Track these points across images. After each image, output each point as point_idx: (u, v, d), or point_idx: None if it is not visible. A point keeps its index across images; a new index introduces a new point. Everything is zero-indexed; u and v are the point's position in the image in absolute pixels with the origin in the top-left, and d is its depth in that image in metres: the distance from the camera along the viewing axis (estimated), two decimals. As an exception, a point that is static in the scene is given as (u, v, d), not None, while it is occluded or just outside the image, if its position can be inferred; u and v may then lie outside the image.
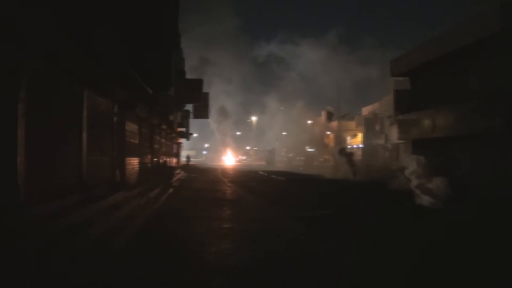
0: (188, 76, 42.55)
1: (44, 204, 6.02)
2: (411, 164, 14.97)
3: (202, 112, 33.92)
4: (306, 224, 9.29)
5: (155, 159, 19.01)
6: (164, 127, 20.24)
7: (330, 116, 44.94)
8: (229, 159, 66.61)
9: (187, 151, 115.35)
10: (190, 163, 48.46)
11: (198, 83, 28.24)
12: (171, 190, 16.92)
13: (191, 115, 33.18)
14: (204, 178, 27.53)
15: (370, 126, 43.13)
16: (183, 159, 46.02)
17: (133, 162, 13.60)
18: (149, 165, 17.06)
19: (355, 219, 10.43)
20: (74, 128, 7.64)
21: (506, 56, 16.26)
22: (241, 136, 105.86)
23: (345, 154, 28.62)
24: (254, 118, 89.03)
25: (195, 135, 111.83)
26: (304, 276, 5.34)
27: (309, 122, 67.66)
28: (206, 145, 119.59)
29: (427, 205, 12.35)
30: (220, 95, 69.73)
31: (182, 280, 5.00)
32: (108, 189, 9.74)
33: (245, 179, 28.03)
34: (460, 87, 18.98)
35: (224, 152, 69.26)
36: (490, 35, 16.27)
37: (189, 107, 32.25)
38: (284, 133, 75.78)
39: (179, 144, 35.78)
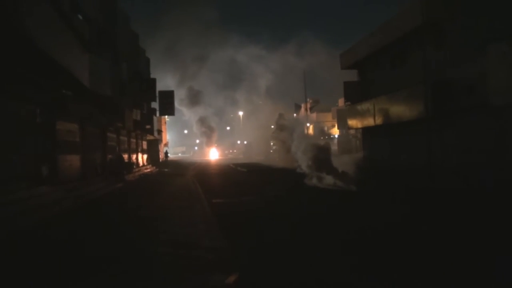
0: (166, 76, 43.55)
1: None
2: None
3: (167, 109, 34.97)
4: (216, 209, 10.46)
5: (110, 156, 19.99)
6: (120, 125, 21.18)
7: (297, 108, 45.94)
8: (214, 154, 68.13)
9: (178, 147, 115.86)
10: (170, 158, 49.85)
11: (152, 82, 29.25)
12: (120, 184, 17.95)
13: (157, 112, 34.27)
14: (171, 172, 28.63)
15: (342, 117, 44.07)
16: (169, 155, 48.90)
17: (71, 158, 14.59)
18: (98, 161, 18.05)
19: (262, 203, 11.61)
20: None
21: (429, 47, 17.25)
22: (231, 130, 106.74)
23: (283, 126, 26.84)
24: (241, 113, 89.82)
25: (186, 131, 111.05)
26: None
27: (295, 115, 68.78)
28: (198, 141, 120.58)
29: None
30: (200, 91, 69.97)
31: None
32: (29, 183, 10.75)
33: (210, 171, 29.16)
34: (396, 77, 19.99)
35: (209, 148, 70.84)
36: (414, 28, 17.28)
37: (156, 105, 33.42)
38: (272, 127, 76.50)
39: (152, 141, 36.76)
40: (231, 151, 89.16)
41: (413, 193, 12.71)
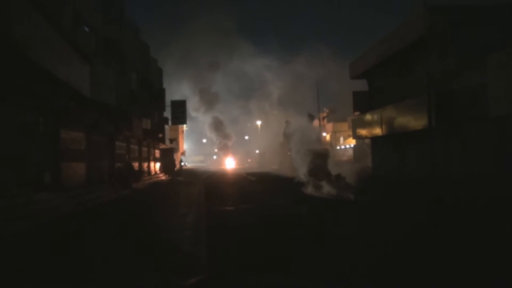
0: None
1: None
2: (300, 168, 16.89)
3: (179, 119, 35.44)
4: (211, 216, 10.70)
5: (118, 164, 20.41)
6: (128, 133, 21.62)
7: (310, 118, 46.01)
8: (230, 164, 68.57)
9: (196, 156, 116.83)
10: (186, 167, 50.72)
11: (162, 92, 29.84)
12: (126, 192, 18.30)
13: (169, 121, 34.80)
14: (183, 181, 28.98)
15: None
16: (187, 164, 50.08)
17: (76, 166, 15.00)
18: (106, 169, 18.47)
19: (253, 213, 11.67)
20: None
21: (433, 57, 17.11)
22: (249, 140, 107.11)
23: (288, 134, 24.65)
24: (258, 123, 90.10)
25: (205, 140, 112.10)
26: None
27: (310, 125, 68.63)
28: (216, 150, 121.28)
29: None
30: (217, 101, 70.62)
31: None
32: (31, 190, 11.14)
33: (221, 180, 29.37)
34: (403, 87, 19.87)
35: (225, 157, 71.50)
36: (419, 38, 17.18)
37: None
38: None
39: (167, 150, 37.30)
40: (249, 160, 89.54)
41: (414, 205, 12.51)
